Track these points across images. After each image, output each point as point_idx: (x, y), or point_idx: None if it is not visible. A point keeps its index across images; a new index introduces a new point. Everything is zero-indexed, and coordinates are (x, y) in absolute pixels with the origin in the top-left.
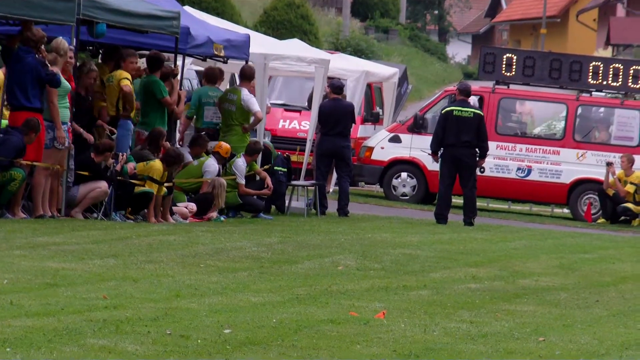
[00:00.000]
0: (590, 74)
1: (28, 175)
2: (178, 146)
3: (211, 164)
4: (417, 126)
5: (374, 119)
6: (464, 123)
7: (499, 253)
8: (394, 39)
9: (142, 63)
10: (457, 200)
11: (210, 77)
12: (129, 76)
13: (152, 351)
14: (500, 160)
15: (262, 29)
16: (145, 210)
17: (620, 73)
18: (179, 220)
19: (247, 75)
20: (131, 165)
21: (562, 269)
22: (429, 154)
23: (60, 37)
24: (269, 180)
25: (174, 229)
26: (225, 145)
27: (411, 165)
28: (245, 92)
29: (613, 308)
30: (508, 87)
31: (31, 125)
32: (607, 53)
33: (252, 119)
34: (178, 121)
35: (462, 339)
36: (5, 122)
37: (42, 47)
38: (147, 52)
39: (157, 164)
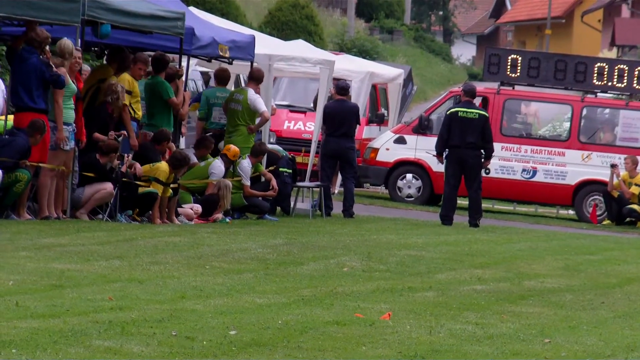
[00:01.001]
0: (595, 75)
1: (33, 177)
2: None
3: (217, 166)
4: (422, 127)
5: (379, 120)
6: (469, 124)
7: (505, 254)
8: (399, 40)
9: None
10: (463, 202)
11: (221, 78)
12: (129, 79)
13: (157, 352)
14: (505, 162)
15: (267, 29)
16: (151, 211)
17: (625, 74)
18: (184, 221)
19: (255, 78)
20: (138, 167)
21: (568, 270)
22: (434, 155)
23: (65, 38)
24: (274, 181)
25: (179, 231)
26: (233, 148)
27: (416, 167)
28: (251, 92)
29: (619, 309)
30: (513, 88)
31: (37, 126)
32: (612, 54)
33: (257, 120)
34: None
35: (468, 340)
36: (10, 123)
37: (47, 47)
38: (152, 53)
39: (163, 165)
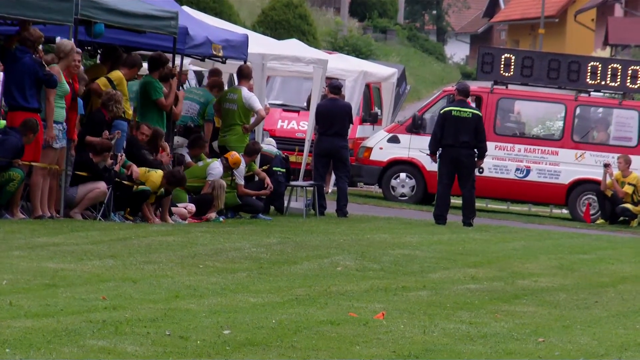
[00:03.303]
0: (589, 74)
1: (26, 176)
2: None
3: (216, 167)
4: (415, 126)
5: (373, 119)
6: (462, 123)
7: (498, 254)
8: (392, 39)
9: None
10: (456, 201)
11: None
12: (121, 78)
13: (151, 352)
14: (498, 161)
15: (260, 29)
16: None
17: (619, 73)
18: (178, 220)
19: (245, 74)
20: (135, 170)
21: (561, 269)
22: (427, 155)
23: (65, 39)
24: (268, 180)
25: (172, 230)
26: (236, 156)
27: (410, 166)
28: (245, 91)
29: (612, 309)
30: (506, 87)
31: (29, 125)
32: (606, 53)
33: (252, 119)
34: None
35: (462, 339)
36: (3, 122)
37: (40, 47)
38: (148, 53)
39: (156, 176)
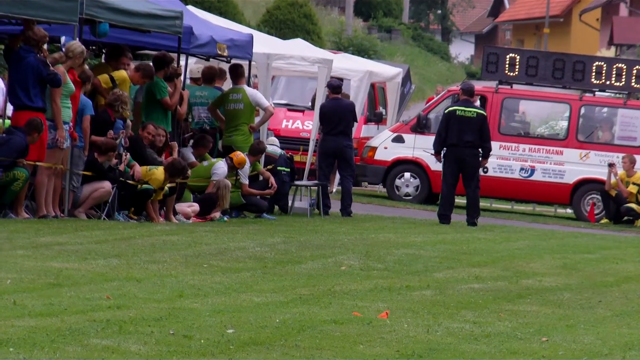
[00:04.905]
0: (594, 73)
1: (31, 175)
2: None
3: (220, 167)
4: (420, 126)
5: (377, 118)
6: (466, 123)
7: (502, 253)
8: (397, 39)
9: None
10: (460, 201)
11: (207, 76)
12: (124, 76)
13: (155, 351)
14: (503, 161)
15: (265, 28)
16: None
17: (624, 73)
18: (182, 220)
19: (241, 73)
20: (137, 170)
21: (566, 269)
22: (431, 154)
23: (76, 41)
24: (272, 179)
25: (177, 229)
26: (241, 156)
27: (414, 165)
28: (249, 89)
29: (616, 308)
30: (511, 87)
31: (34, 125)
32: (610, 53)
33: (257, 118)
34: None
35: (465, 339)
36: (8, 122)
37: (45, 46)
38: (153, 53)
39: (158, 173)
